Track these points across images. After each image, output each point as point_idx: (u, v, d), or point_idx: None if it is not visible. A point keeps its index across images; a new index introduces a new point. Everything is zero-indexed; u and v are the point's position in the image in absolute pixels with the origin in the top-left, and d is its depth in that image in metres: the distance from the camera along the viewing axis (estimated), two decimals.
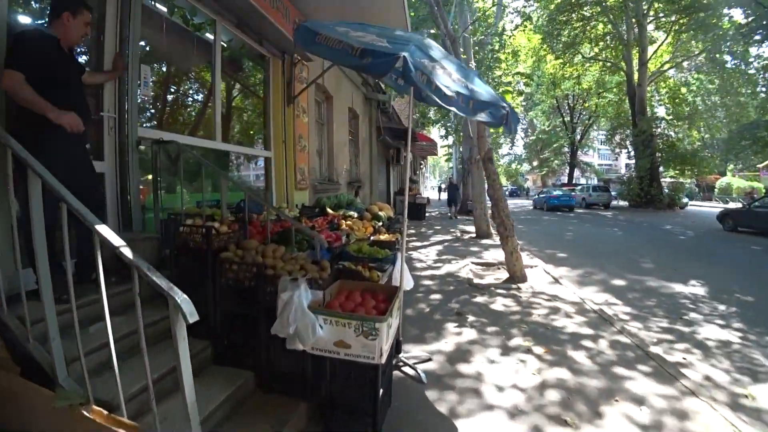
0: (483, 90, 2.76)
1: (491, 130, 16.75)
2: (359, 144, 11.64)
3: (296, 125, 6.69)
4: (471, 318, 4.81)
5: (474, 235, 11.91)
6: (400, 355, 3.55)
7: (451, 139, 23.43)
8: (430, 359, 3.71)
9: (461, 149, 20.51)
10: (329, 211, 6.62)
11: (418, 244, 10.72)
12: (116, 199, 3.56)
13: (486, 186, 12.53)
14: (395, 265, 3.96)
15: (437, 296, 5.73)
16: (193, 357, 2.80)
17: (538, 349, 3.90)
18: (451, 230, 13.52)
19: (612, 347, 3.99)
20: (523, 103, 32.82)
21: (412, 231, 13.44)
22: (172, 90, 4.95)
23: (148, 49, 4.40)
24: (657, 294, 6.05)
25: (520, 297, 5.65)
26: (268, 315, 2.54)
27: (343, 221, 5.99)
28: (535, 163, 49.58)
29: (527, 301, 5.48)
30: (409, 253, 9.26)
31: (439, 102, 2.46)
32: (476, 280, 6.55)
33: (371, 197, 12.91)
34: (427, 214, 18.71)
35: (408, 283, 3.94)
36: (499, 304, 5.35)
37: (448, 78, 2.48)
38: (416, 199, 17.71)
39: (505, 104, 2.78)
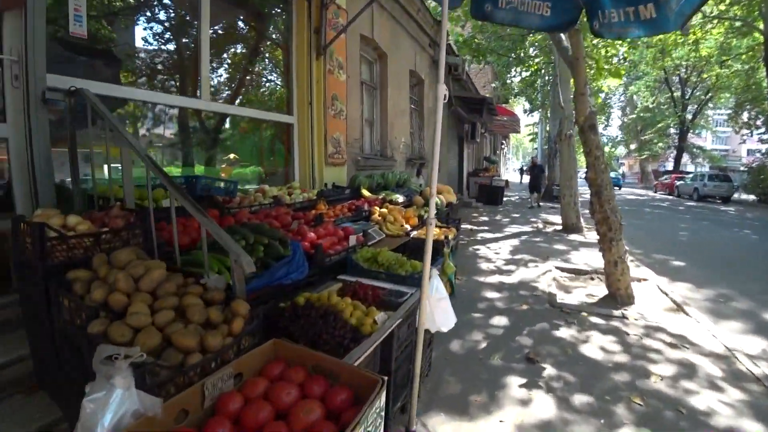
0: None
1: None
2: (424, 115, 9.96)
3: (328, 83, 5.24)
4: (548, 369, 3.10)
5: (560, 227, 9.79)
6: None
7: (537, 116, 20.68)
8: None
9: (548, 127, 17.89)
10: (365, 193, 5.18)
11: (489, 236, 8.90)
12: (28, 173, 2.51)
13: (578, 167, 10.26)
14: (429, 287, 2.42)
15: (502, 321, 4.04)
16: None
17: None
18: (532, 220, 11.41)
19: None
20: (624, 78, 28.21)
21: (485, 219, 11.58)
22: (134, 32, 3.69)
23: None
24: None
25: (628, 334, 3.78)
26: None
27: (377, 208, 4.49)
28: (633, 147, 43.71)
29: (639, 343, 3.60)
30: (476, 248, 7.54)
31: None
32: (561, 297, 4.73)
33: (439, 177, 11.24)
34: (505, 199, 16.55)
35: (445, 323, 2.43)
36: (595, 344, 3.55)
37: None
38: (493, 181, 15.65)
39: None
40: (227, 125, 4.92)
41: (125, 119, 5.02)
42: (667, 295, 4.89)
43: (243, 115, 4.64)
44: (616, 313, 4.24)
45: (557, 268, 6.10)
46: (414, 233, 4.25)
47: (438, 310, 2.47)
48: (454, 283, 3.72)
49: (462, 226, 10.16)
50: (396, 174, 6.68)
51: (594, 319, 4.09)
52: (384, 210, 4.44)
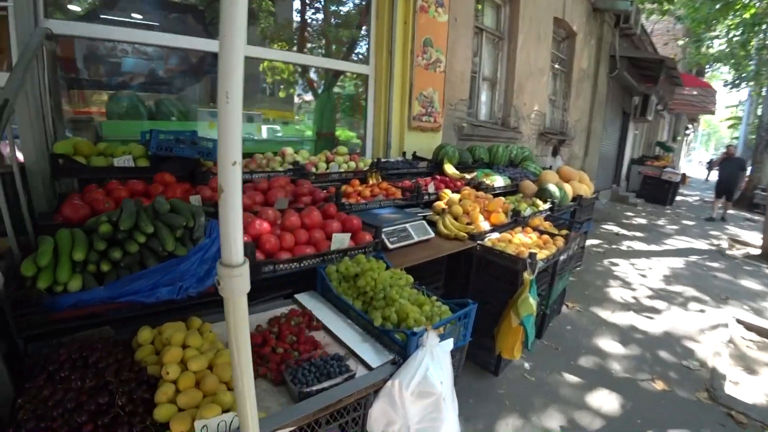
0: None
1: None
2: (572, 78, 7.81)
3: (419, 24, 3.96)
4: None
5: (756, 252, 6.86)
6: None
7: (744, 93, 15.65)
8: None
9: (759, 110, 13.41)
10: (447, 169, 3.86)
11: (640, 247, 6.63)
12: None
13: None
14: (408, 365, 1.20)
15: (607, 404, 2.44)
16: None
17: None
18: (712, 234, 8.38)
19: None
20: None
21: (641, 221, 8.97)
22: None
23: None
24: None
25: None
26: None
27: (448, 193, 3.18)
28: None
29: None
30: (614, 262, 5.57)
31: None
32: (733, 382, 2.84)
33: (585, 161, 9.02)
34: (678, 198, 13.00)
35: None
36: None
37: None
38: (663, 173, 12.16)
39: None
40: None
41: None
42: None
43: (299, 63, 3.68)
44: None
45: (739, 321, 3.92)
46: (490, 237, 2.83)
47: (415, 409, 1.20)
48: (530, 333, 2.27)
49: (605, 226, 7.94)
50: (512, 149, 5.08)
51: None
52: (455, 196, 3.08)
